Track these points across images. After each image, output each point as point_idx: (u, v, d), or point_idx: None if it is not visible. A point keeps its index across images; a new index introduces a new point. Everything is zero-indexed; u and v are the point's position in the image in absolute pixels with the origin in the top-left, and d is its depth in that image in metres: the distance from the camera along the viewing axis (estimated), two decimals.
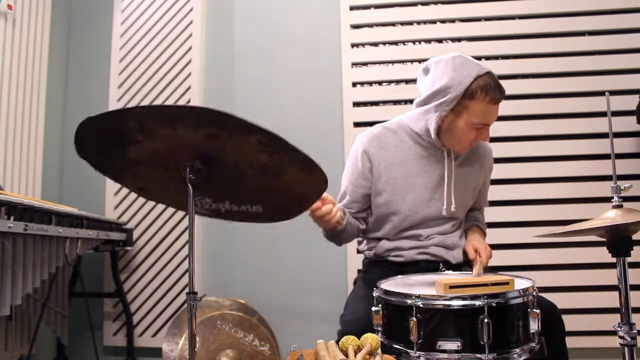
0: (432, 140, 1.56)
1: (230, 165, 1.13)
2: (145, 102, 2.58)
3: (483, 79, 1.46)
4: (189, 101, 2.57)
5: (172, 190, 1.24)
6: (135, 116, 1.02)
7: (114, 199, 2.58)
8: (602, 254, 1.20)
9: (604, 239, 1.15)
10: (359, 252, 1.84)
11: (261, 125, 0.99)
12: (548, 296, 1.42)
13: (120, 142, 1.09)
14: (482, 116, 1.49)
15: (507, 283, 1.17)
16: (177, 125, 1.02)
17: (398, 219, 1.62)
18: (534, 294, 1.15)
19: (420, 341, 1.10)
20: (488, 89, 1.45)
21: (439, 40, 2.51)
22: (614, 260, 1.12)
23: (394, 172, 1.61)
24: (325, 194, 1.44)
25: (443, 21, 2.53)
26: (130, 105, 2.57)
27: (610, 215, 1.11)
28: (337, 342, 1.17)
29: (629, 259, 1.12)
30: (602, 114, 2.34)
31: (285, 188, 1.17)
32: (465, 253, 1.64)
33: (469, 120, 1.50)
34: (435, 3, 2.53)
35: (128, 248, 2.48)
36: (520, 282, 1.23)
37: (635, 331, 1.08)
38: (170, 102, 2.56)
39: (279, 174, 1.13)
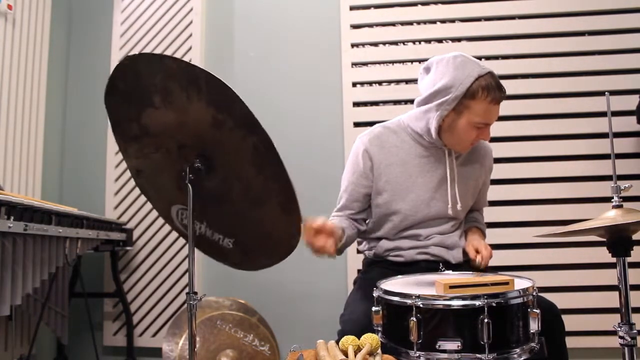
0: (433, 139, 1.56)
1: (223, 173, 1.13)
2: None
3: (484, 78, 1.46)
4: None
5: (163, 183, 1.23)
6: (160, 68, 1.05)
7: (114, 199, 2.58)
8: (602, 254, 1.20)
9: (604, 239, 1.15)
10: (359, 252, 1.84)
11: (264, 128, 1.00)
12: (548, 296, 1.42)
13: (140, 99, 1.10)
14: (483, 116, 1.49)
15: (507, 283, 1.16)
16: (192, 94, 1.03)
17: (398, 219, 1.62)
18: (534, 294, 1.15)
19: (420, 341, 1.10)
20: (489, 88, 1.46)
21: (439, 40, 2.51)
22: (614, 260, 1.12)
23: (394, 172, 1.61)
24: (323, 222, 1.36)
25: (443, 21, 2.53)
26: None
27: (610, 215, 1.11)
28: (337, 342, 1.17)
29: (629, 259, 1.11)
30: (602, 114, 2.34)
31: (261, 224, 1.17)
32: (465, 253, 1.64)
33: (470, 120, 1.50)
34: (435, 3, 2.53)
35: (128, 248, 2.48)
36: (520, 282, 1.23)
37: (635, 331, 1.08)
38: None
39: (260, 203, 1.13)
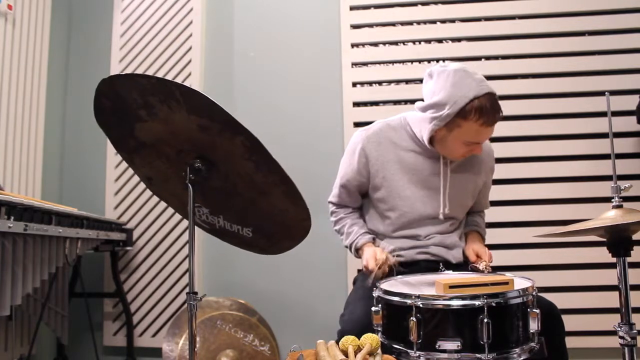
0: (427, 147, 1.58)
1: (224, 170, 1.14)
2: None
3: (480, 100, 1.43)
4: None
5: (174, 187, 1.25)
6: (136, 86, 1.05)
7: (114, 199, 2.58)
8: (602, 254, 1.20)
9: (604, 239, 1.15)
10: None
11: (245, 127, 1.00)
12: (548, 296, 1.42)
13: (128, 116, 1.12)
14: (473, 136, 1.49)
15: (506, 283, 1.17)
16: (173, 105, 1.04)
17: (395, 216, 1.63)
18: (534, 293, 1.15)
19: (420, 341, 1.10)
20: (482, 111, 1.43)
21: (439, 40, 2.51)
22: (614, 260, 1.12)
23: (391, 169, 1.62)
24: (383, 255, 1.44)
25: (443, 21, 2.53)
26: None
27: (610, 215, 1.11)
28: (337, 342, 1.17)
29: (629, 259, 1.12)
30: (602, 114, 2.34)
31: (273, 212, 1.19)
32: (465, 255, 1.64)
33: (460, 138, 1.50)
34: (435, 3, 2.53)
35: (128, 248, 2.48)
36: (520, 282, 1.23)
37: (635, 331, 1.08)
38: None
39: (265, 193, 1.14)
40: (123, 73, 1.07)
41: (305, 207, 1.12)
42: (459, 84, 1.45)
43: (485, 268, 1.46)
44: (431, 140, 1.56)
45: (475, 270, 1.54)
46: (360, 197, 1.74)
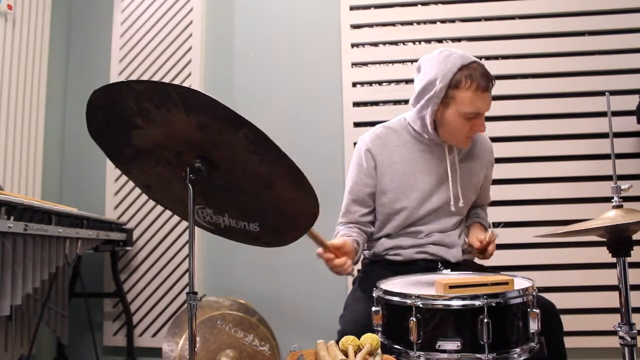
0: (432, 136, 1.57)
1: (226, 168, 1.14)
2: None
3: (467, 68, 1.48)
4: None
5: (175, 191, 1.25)
6: (130, 93, 1.04)
7: (114, 199, 2.58)
8: (602, 254, 1.20)
9: (604, 239, 1.15)
10: None
11: (247, 119, 1.00)
12: (548, 296, 1.42)
13: (123, 125, 1.11)
14: (470, 105, 1.49)
15: (506, 283, 1.16)
16: (170, 107, 1.03)
17: (402, 217, 1.63)
18: (534, 293, 1.15)
19: (420, 341, 1.10)
20: (473, 77, 1.47)
21: (439, 40, 2.51)
22: (614, 260, 1.12)
23: (397, 171, 1.62)
24: (342, 241, 1.44)
25: (443, 21, 2.53)
26: None
27: (610, 215, 1.11)
28: (337, 342, 1.17)
29: (629, 259, 1.11)
30: (602, 114, 2.34)
31: (279, 204, 1.18)
32: (464, 252, 1.64)
33: (458, 111, 1.50)
34: (435, 3, 2.54)
35: (128, 248, 2.48)
36: (520, 282, 1.23)
37: (635, 331, 1.08)
38: None
39: (270, 186, 1.14)
40: (116, 81, 1.05)
41: (313, 192, 1.10)
42: (445, 60, 1.50)
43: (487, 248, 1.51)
44: (435, 127, 1.56)
45: (477, 251, 1.56)
46: (373, 207, 1.68)
